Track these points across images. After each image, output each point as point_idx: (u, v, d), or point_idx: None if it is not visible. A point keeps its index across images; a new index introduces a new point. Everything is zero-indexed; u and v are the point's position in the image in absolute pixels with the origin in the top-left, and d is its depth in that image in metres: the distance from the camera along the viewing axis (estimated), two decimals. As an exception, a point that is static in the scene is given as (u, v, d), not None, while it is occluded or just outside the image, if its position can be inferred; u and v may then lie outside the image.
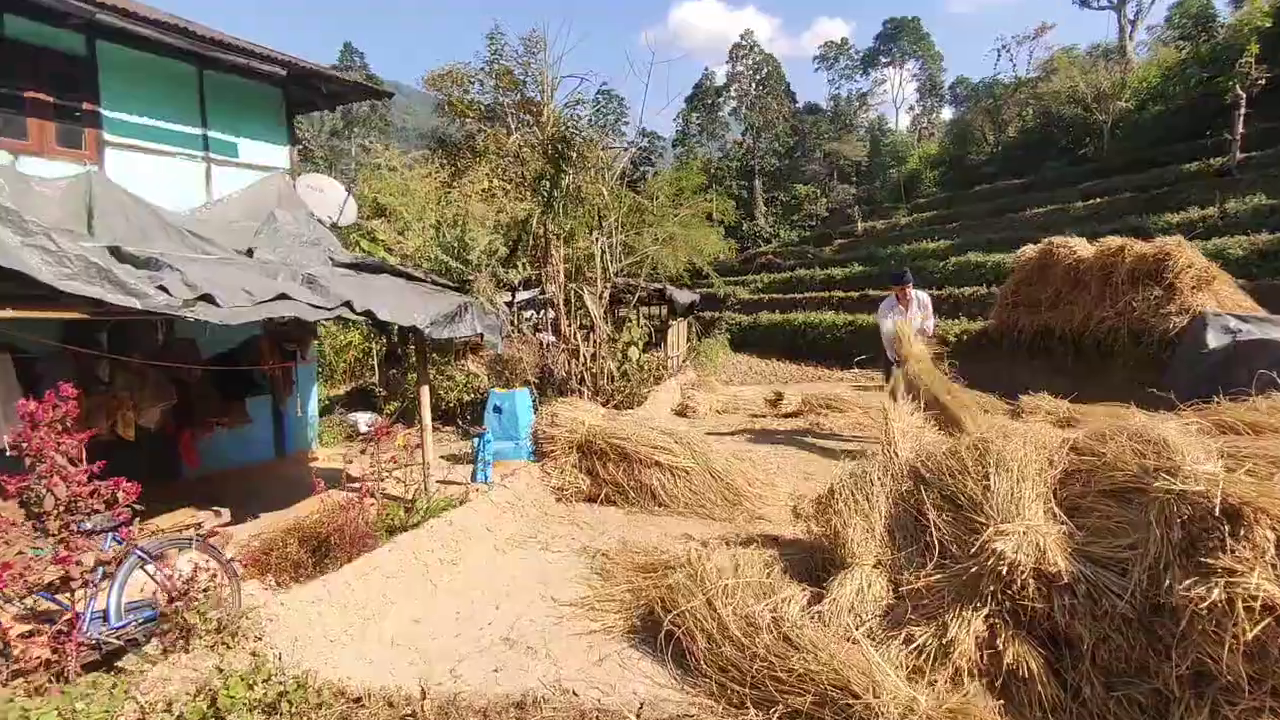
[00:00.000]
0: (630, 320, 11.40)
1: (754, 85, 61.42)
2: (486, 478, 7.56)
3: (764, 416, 9.04)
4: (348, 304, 4.83)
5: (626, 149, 10.69)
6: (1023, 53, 36.22)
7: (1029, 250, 10.52)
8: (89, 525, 3.25)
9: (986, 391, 8.98)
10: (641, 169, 34.44)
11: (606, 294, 10.66)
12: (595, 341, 10.45)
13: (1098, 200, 21.06)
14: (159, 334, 5.13)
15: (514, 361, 8.93)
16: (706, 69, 63.57)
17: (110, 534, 3.50)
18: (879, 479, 3.81)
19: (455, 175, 9.35)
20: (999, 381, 9.21)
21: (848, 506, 3.70)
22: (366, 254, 9.12)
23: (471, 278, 7.02)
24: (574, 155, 9.79)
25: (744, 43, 59.86)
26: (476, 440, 7.94)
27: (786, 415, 8.95)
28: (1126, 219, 18.23)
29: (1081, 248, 9.32)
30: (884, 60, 58.85)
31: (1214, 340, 7.57)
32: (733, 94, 62.14)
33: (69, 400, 3.12)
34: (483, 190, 9.13)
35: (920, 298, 7.53)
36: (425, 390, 6.24)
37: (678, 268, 12.31)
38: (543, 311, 14.37)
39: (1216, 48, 24.33)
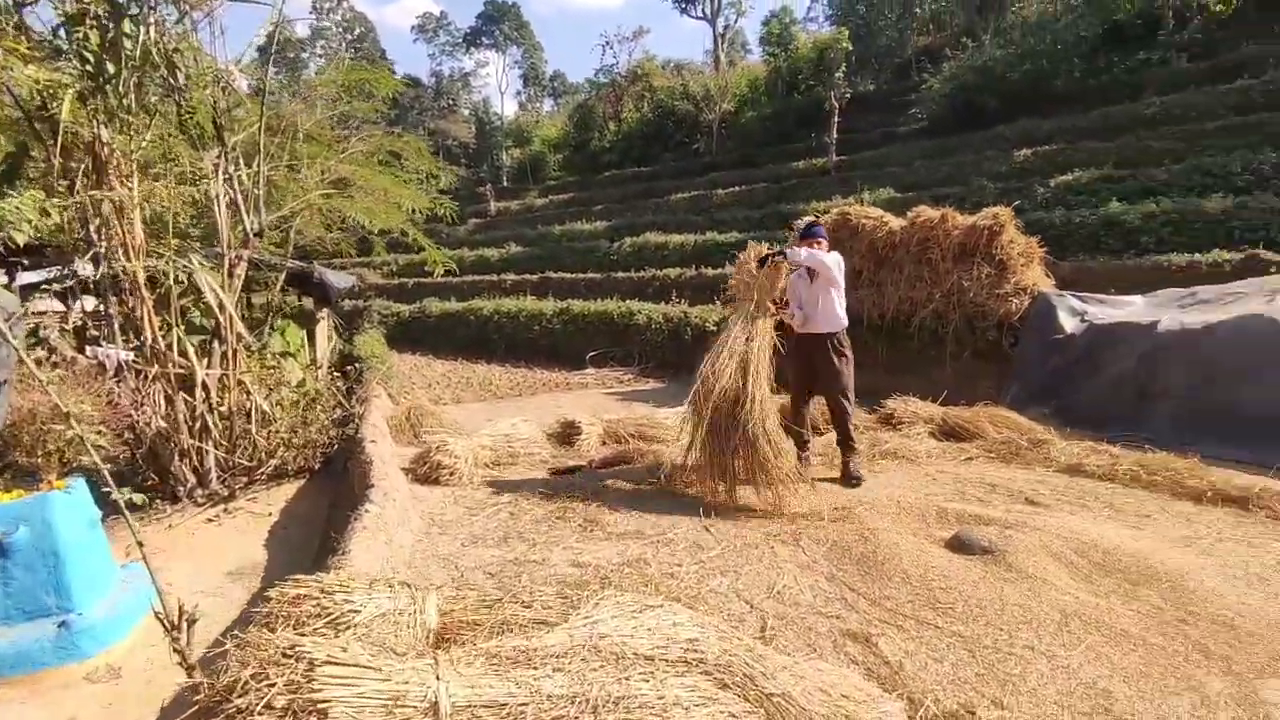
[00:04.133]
0: (280, 318, 6.66)
1: (344, 45, 54.06)
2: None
3: (574, 470, 5.54)
4: None
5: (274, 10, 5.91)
6: (624, 52, 37.63)
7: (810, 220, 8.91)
8: None
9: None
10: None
11: (241, 272, 5.81)
12: (226, 356, 5.57)
13: (737, 189, 21.90)
14: None
15: (30, 422, 3.83)
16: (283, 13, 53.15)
17: None
18: None
19: None
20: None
21: None
22: None
23: None
24: (154, -11, 4.81)
25: (331, -6, 52.23)
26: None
27: (606, 465, 5.60)
28: (773, 206, 18.95)
29: (891, 218, 7.97)
30: (486, 42, 56.71)
31: (1068, 324, 6.69)
32: (319, 51, 53.83)
33: None
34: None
35: (836, 260, 5.03)
36: None
37: (371, 227, 7.75)
38: (78, 302, 8.42)
39: (795, 64, 27.74)
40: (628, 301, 11.72)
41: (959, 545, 3.79)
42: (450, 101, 55.45)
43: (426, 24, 57.35)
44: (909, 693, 2.62)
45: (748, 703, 1.87)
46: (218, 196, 5.47)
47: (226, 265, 5.65)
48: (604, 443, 6.19)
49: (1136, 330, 6.26)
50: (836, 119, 21.26)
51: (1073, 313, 6.76)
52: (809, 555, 3.84)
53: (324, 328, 10.47)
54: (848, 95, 23.16)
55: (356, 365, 9.64)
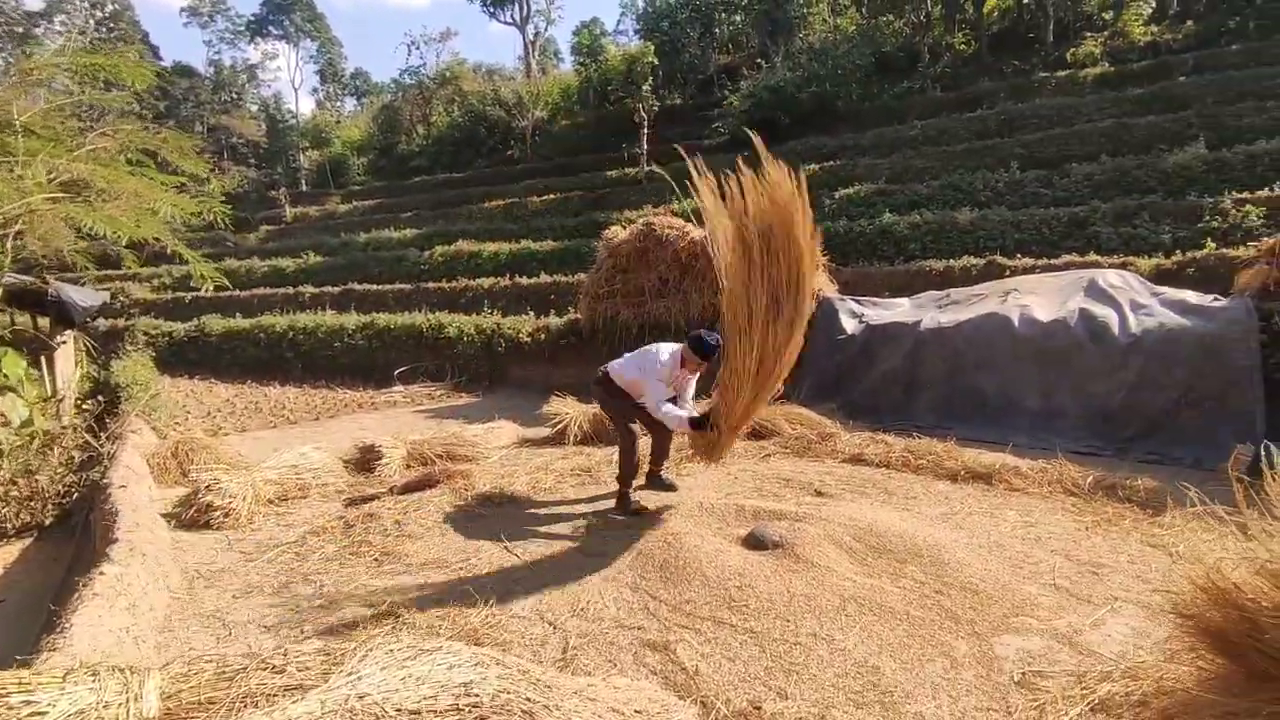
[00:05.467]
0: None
1: (92, 23, 46.95)
2: None
3: (373, 498, 5.10)
4: None
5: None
6: (431, 53, 36.28)
7: (620, 232, 9.05)
8: None
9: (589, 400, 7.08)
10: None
11: (-69, 288, 4.75)
12: (-89, 397, 4.50)
13: (552, 196, 21.86)
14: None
15: None
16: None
17: None
18: None
19: None
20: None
21: None
22: None
23: None
24: None
25: (68, -41, 45.14)
26: None
27: (410, 490, 5.20)
28: (588, 214, 19.11)
29: (692, 228, 8.26)
30: (275, 33, 51.86)
31: (849, 325, 7.33)
32: (58, 28, 46.31)
33: None
34: None
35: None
36: None
37: (114, 238, 6.59)
38: None
39: (606, 74, 28.26)
40: (438, 314, 11.20)
41: (753, 542, 3.96)
42: (234, 96, 50.04)
43: (199, 7, 51.31)
44: (703, 696, 2.66)
45: None
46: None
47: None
48: (409, 466, 5.80)
49: (903, 329, 7.01)
50: (647, 129, 22.00)
51: (852, 315, 7.45)
52: (615, 566, 3.82)
53: (67, 353, 8.97)
54: (656, 108, 24.03)
55: (112, 395, 8.34)
